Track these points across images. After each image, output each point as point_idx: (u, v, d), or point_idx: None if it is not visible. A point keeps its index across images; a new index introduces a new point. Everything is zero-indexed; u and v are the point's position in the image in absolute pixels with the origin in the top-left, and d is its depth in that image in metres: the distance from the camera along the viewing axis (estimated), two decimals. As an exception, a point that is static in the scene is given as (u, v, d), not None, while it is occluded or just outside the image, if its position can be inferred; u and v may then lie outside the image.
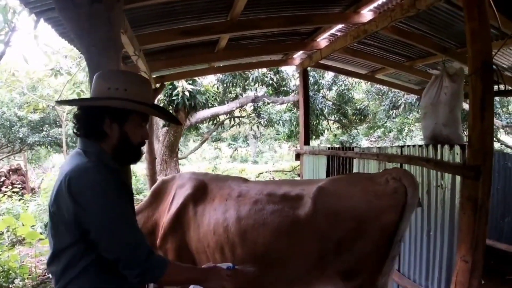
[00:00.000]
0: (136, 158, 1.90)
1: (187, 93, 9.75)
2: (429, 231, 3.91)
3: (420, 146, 4.11)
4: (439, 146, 3.77)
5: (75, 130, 1.80)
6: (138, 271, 1.64)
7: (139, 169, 14.85)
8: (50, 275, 1.74)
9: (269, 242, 2.74)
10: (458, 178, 3.52)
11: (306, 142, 7.85)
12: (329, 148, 6.73)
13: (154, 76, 6.58)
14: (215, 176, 3.51)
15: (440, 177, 3.76)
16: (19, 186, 11.70)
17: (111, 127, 1.75)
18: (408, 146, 4.34)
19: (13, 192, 10.45)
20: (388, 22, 4.49)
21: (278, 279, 2.78)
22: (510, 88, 6.88)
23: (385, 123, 17.54)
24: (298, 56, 7.69)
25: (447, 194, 3.66)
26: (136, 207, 3.57)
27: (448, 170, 3.59)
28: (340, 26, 5.78)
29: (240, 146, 27.53)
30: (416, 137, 18.22)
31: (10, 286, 5.10)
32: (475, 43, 3.21)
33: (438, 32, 5.27)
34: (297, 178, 13.90)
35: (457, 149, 3.51)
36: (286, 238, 2.71)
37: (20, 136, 14.21)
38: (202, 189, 3.28)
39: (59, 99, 1.85)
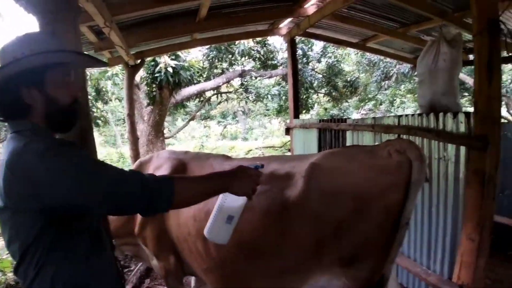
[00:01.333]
0: (74, 121, 1.59)
1: (170, 69, 9.31)
2: (431, 207, 3.63)
3: (419, 115, 3.82)
4: (440, 114, 3.48)
5: None
6: (143, 204, 1.43)
7: (126, 151, 14.52)
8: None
9: (257, 228, 2.39)
10: (462, 149, 3.25)
11: (296, 116, 7.54)
12: (320, 121, 6.43)
13: (132, 52, 6.17)
14: (195, 155, 3.18)
15: (443, 149, 3.47)
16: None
17: (31, 95, 1.45)
18: (407, 115, 4.04)
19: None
20: (382, -18, 4.12)
21: (269, 270, 2.45)
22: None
23: (376, 95, 17.26)
24: (285, 25, 7.29)
25: (451, 167, 3.39)
26: None
27: (452, 140, 3.31)
28: (329, -11, 5.39)
29: (229, 123, 27.10)
30: (408, 109, 17.96)
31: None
32: (480, 0, 2.89)
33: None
34: (288, 153, 13.66)
35: (461, 117, 3.23)
36: (276, 223, 2.36)
37: None
38: (181, 169, 2.98)
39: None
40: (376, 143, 4.45)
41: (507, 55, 6.26)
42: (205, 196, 1.68)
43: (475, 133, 3.00)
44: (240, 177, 1.73)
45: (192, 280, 3.79)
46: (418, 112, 6.30)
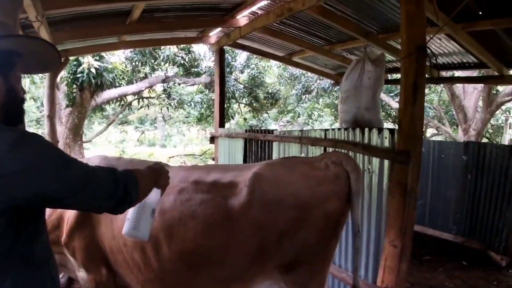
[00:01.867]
0: (23, 115, 1.52)
1: (93, 70, 8.96)
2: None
3: (346, 129, 4.03)
4: (366, 130, 3.71)
5: None
6: (121, 193, 1.44)
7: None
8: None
9: (200, 237, 2.39)
10: (386, 162, 3.48)
11: (221, 125, 7.59)
12: (246, 130, 6.52)
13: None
14: (129, 161, 3.09)
15: (368, 162, 3.70)
16: None
17: None
18: (333, 129, 4.24)
19: None
20: (316, 1, 4.32)
21: (213, 280, 2.45)
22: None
23: (295, 108, 17.80)
24: (214, 34, 7.33)
25: (375, 178, 3.62)
26: None
27: (377, 154, 3.53)
28: (263, 3, 5.52)
29: (147, 129, 26.45)
30: (325, 122, 18.75)
31: None
32: (411, 26, 3.14)
33: (361, 16, 5.22)
34: (211, 162, 13.62)
35: (386, 133, 3.46)
36: (220, 232, 2.38)
37: None
38: None
39: None
40: (303, 155, 4.63)
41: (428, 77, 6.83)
42: (148, 191, 1.73)
43: (398, 148, 3.23)
44: (160, 172, 1.83)
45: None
46: (336, 126, 6.62)
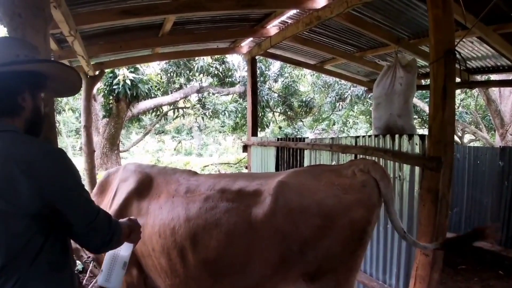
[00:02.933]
0: (42, 132, 1.67)
1: (128, 82, 9.22)
2: (387, 224, 3.78)
3: (376, 136, 3.98)
4: (396, 136, 3.65)
5: None
6: (109, 237, 1.57)
7: (78, 163, 14.02)
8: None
9: (224, 245, 2.41)
10: (417, 169, 3.42)
11: (254, 133, 7.63)
12: (278, 139, 6.54)
13: (93, 63, 6.10)
14: (162, 169, 3.14)
15: (398, 169, 3.64)
16: None
17: (25, 98, 1.50)
18: (363, 136, 4.20)
19: None
20: (343, 8, 4.31)
21: (234, 287, 2.48)
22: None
23: (330, 115, 17.68)
24: (246, 44, 7.42)
25: (406, 185, 3.55)
26: None
27: (407, 161, 3.47)
28: (291, 12, 5.56)
29: (184, 138, 26.82)
30: (360, 130, 18.51)
31: None
32: (438, 31, 3.09)
33: (392, 22, 5.18)
34: (244, 170, 13.70)
35: (416, 139, 3.40)
36: (243, 240, 2.39)
37: None
38: (147, 183, 2.94)
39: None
40: (334, 163, 4.60)
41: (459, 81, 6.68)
42: (123, 242, 1.84)
43: (429, 155, 3.17)
44: (134, 228, 1.89)
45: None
46: (371, 133, 6.55)
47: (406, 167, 3.55)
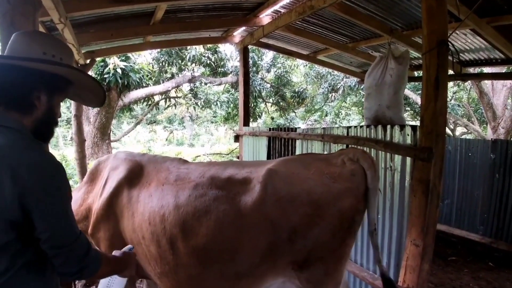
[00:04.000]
0: (50, 138, 1.63)
1: (119, 71, 9.14)
2: (377, 215, 3.79)
3: (368, 126, 3.98)
4: (388, 127, 3.66)
5: None
6: (77, 268, 1.46)
7: (69, 153, 13.93)
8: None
9: (213, 233, 2.40)
10: (408, 160, 3.43)
11: (246, 123, 7.61)
12: (270, 129, 6.53)
13: (83, 51, 6.02)
14: (152, 157, 3.13)
15: (390, 159, 3.64)
16: None
17: (40, 98, 1.47)
18: (355, 126, 4.21)
19: None
20: (337, -3, 4.28)
21: (224, 275, 2.46)
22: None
23: (322, 106, 17.69)
24: (238, 33, 7.37)
25: (397, 176, 3.56)
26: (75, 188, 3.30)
27: (399, 151, 3.48)
28: (285, 1, 5.51)
29: (176, 128, 26.78)
30: (353, 121, 18.57)
31: None
32: (432, 21, 3.09)
33: (385, 13, 5.16)
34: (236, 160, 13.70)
35: (408, 129, 3.41)
36: (232, 228, 2.38)
37: None
38: (138, 171, 2.92)
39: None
40: (325, 152, 4.60)
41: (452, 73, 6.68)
42: (108, 275, 1.85)
43: (420, 145, 3.17)
44: (128, 263, 1.85)
45: (144, 283, 3.74)
46: (363, 124, 6.55)
47: (398, 158, 3.55)
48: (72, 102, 6.50)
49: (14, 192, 1.28)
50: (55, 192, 1.38)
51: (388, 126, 3.65)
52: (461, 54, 6.36)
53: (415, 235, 3.16)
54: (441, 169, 3.08)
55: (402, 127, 3.49)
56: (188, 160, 3.08)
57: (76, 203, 3.12)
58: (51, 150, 19.92)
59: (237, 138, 7.76)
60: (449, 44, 3.02)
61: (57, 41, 1.60)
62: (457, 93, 14.94)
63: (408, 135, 3.41)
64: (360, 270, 3.94)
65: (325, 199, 2.31)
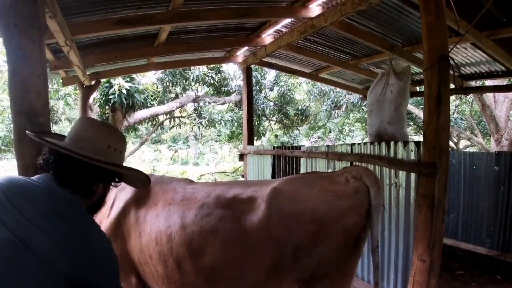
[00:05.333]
0: (97, 212, 1.82)
1: (124, 91, 9.25)
2: (383, 231, 3.79)
3: (371, 143, 4.00)
4: (392, 143, 3.67)
5: (48, 167, 1.60)
6: None
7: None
8: None
9: (218, 251, 2.42)
10: (413, 175, 3.44)
11: (250, 142, 7.66)
12: (274, 147, 6.56)
13: (89, 73, 6.10)
14: (159, 178, 3.15)
15: (394, 175, 3.66)
16: None
17: (99, 187, 1.67)
18: (359, 143, 4.23)
19: None
20: (338, 17, 4.34)
21: None
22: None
23: (325, 123, 17.73)
24: (241, 53, 7.47)
25: (402, 192, 3.57)
26: None
27: (403, 167, 3.49)
28: (286, 21, 5.61)
29: (180, 148, 26.87)
30: (356, 137, 18.56)
31: None
32: (432, 37, 3.12)
33: (385, 29, 5.23)
34: (241, 179, 13.71)
35: (411, 145, 3.42)
36: (238, 246, 2.40)
37: None
38: (145, 192, 2.94)
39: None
40: (330, 170, 4.62)
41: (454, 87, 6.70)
42: None
43: (424, 161, 3.19)
44: None
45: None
46: (366, 140, 6.56)
47: (402, 174, 3.56)
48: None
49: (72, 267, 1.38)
50: (112, 268, 1.53)
51: (392, 143, 3.67)
52: (462, 68, 6.41)
53: (421, 250, 3.15)
54: (445, 184, 3.08)
55: (406, 143, 3.51)
56: (194, 181, 3.11)
57: None
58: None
59: (241, 157, 7.80)
60: (450, 59, 3.05)
61: (118, 133, 1.80)
62: (459, 106, 14.95)
63: (412, 151, 3.42)
64: (367, 286, 3.92)
65: (329, 217, 2.33)
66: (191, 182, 3.03)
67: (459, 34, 3.95)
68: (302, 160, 5.38)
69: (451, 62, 3.12)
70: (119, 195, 3.02)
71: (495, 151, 6.26)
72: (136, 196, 2.92)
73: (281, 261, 2.35)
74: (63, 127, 15.35)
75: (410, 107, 11.12)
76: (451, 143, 15.37)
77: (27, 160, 2.33)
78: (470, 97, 12.99)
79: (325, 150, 4.77)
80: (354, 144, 4.32)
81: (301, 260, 2.34)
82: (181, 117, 14.95)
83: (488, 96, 10.40)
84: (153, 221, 2.72)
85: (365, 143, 4.13)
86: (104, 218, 3.03)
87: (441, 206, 3.08)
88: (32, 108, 2.37)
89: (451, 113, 13.87)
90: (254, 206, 2.46)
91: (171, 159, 26.85)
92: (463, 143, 17.21)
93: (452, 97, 14.67)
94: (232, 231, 2.43)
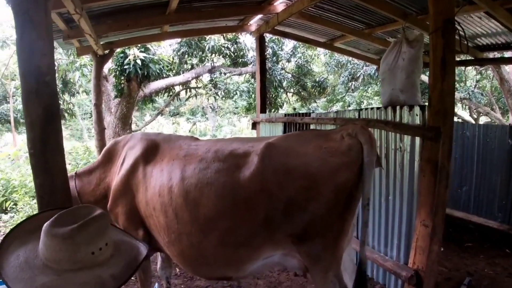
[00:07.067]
0: None
1: (139, 62, 9.28)
2: (388, 196, 3.81)
3: (378, 108, 4.00)
4: (398, 107, 3.67)
5: None
6: None
7: (93, 145, 14.22)
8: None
9: (213, 203, 2.52)
10: (417, 140, 3.43)
11: (263, 110, 7.68)
12: (285, 115, 6.59)
13: (102, 42, 6.15)
14: (167, 136, 3.28)
15: (399, 140, 3.65)
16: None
17: None
18: (366, 109, 4.22)
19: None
20: (348, -19, 4.27)
21: (223, 244, 2.56)
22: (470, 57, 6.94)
23: (343, 96, 17.56)
24: (254, 22, 7.40)
25: (406, 157, 3.57)
26: (87, 167, 3.54)
27: (407, 131, 3.49)
28: (297, -13, 5.53)
29: (199, 120, 27.02)
30: (374, 110, 18.34)
31: None
32: (438, 1, 3.07)
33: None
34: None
35: (416, 110, 3.41)
36: (231, 198, 2.48)
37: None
38: (153, 149, 3.10)
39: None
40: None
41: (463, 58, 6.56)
42: None
43: (428, 125, 3.17)
44: None
45: (158, 259, 3.84)
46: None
47: (407, 138, 3.55)
48: (92, 90, 6.68)
49: None
50: None
51: (398, 107, 3.66)
52: (478, 38, 6.25)
53: (424, 215, 3.17)
54: (449, 149, 3.07)
55: (411, 107, 3.49)
56: (198, 138, 3.20)
57: (93, 183, 3.37)
58: (76, 142, 20.43)
59: (254, 125, 7.83)
60: (456, 23, 3.00)
61: (92, 227, 1.81)
62: (480, 81, 14.65)
63: (416, 115, 3.41)
64: (371, 252, 3.96)
65: (321, 173, 2.36)
66: (196, 139, 3.15)
67: (473, 3, 3.84)
68: (312, 127, 5.39)
69: (457, 26, 3.06)
70: (129, 153, 3.19)
71: (509, 124, 6.14)
72: (145, 153, 3.07)
73: (273, 215, 2.41)
74: (81, 99, 15.58)
75: (424, 77, 10.88)
76: (470, 118, 15.12)
77: (34, 117, 2.42)
78: (490, 72, 12.70)
79: (334, 116, 4.77)
80: (361, 109, 4.32)
81: (292, 215, 2.39)
82: (197, 87, 14.96)
83: (508, 71, 10.13)
84: (158, 175, 2.86)
85: (372, 108, 4.12)
86: (115, 175, 3.21)
87: (444, 171, 3.07)
88: (38, 69, 2.44)
89: (471, 87, 13.61)
90: (248, 160, 2.54)
91: (190, 131, 27.02)
92: (483, 120, 16.93)
93: (473, 72, 14.36)
94: (226, 184, 2.52)
